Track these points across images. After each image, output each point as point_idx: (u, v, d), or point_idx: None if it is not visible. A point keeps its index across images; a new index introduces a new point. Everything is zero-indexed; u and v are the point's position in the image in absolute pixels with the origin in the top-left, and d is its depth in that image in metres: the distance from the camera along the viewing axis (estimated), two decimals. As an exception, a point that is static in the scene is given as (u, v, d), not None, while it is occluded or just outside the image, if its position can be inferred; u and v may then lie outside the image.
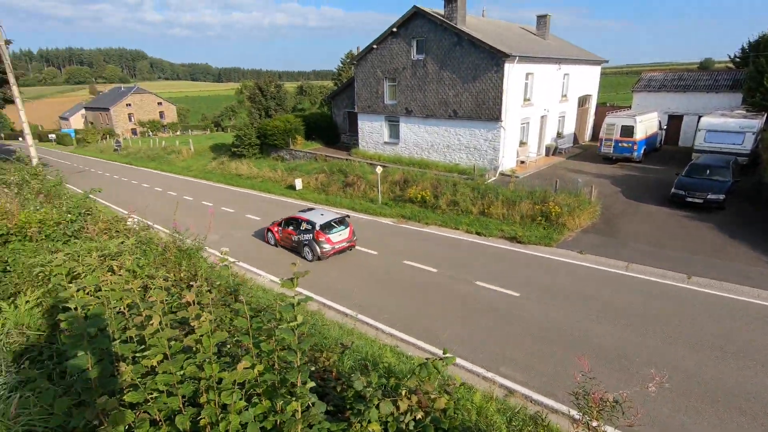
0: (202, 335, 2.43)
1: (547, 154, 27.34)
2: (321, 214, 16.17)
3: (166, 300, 3.64)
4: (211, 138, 54.58)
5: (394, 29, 25.00)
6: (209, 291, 4.60)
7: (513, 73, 21.95)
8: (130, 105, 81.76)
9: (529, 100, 24.58)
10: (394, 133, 27.67)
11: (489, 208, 18.64)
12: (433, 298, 12.22)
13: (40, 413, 2.66)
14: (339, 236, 15.47)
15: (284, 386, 2.61)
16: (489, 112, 22.48)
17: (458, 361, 9.13)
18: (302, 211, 17.17)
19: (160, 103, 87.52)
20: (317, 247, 15.19)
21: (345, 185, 24.36)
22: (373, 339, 9.81)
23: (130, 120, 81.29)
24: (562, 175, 22.36)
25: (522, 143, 25.23)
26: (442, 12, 23.48)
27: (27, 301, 4.48)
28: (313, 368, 3.00)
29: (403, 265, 14.57)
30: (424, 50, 24.35)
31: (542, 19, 30.36)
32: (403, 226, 18.90)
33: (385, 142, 28.13)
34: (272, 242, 17.34)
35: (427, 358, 3.01)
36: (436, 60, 23.87)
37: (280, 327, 2.63)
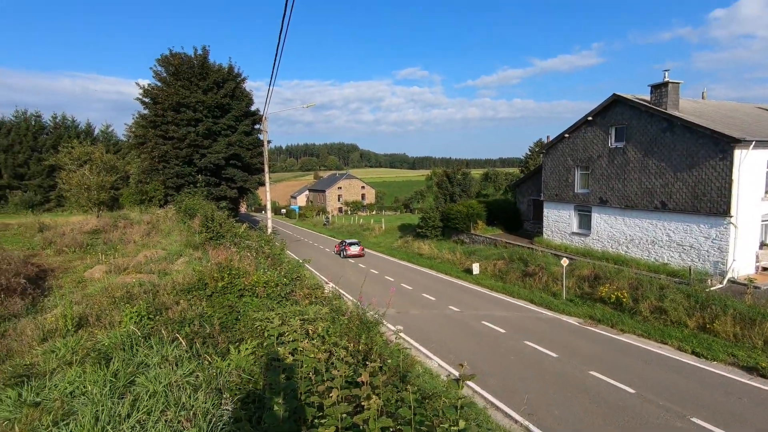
0: (369, 417, 2.59)
1: (807, 262, 20.71)
2: (349, 240, 35.39)
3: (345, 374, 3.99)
4: (400, 219, 60.17)
5: (590, 118, 24.10)
6: (381, 369, 4.86)
7: (748, 160, 18.15)
8: (340, 188, 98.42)
9: (773, 192, 19.68)
10: (585, 224, 25.47)
11: (712, 323, 14.86)
12: (627, 425, 9.98)
13: (240, 452, 3.18)
14: (354, 249, 33.82)
15: (440, 492, 2.50)
16: (712, 205, 18.76)
17: None
18: (345, 238, 38.55)
19: (363, 187, 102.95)
20: (344, 252, 33.74)
21: (525, 275, 23.11)
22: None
23: (338, 200, 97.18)
24: (835, 291, 16.46)
25: (765, 245, 19.90)
26: (646, 98, 21.70)
27: (246, 348, 5.53)
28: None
29: (588, 377, 12.52)
30: (624, 137, 22.55)
31: (792, 97, 24.87)
32: (590, 329, 16.53)
33: (573, 233, 26.03)
34: (335, 251, 36.03)
35: None
36: (639, 147, 21.70)
37: (442, 426, 2.59)
